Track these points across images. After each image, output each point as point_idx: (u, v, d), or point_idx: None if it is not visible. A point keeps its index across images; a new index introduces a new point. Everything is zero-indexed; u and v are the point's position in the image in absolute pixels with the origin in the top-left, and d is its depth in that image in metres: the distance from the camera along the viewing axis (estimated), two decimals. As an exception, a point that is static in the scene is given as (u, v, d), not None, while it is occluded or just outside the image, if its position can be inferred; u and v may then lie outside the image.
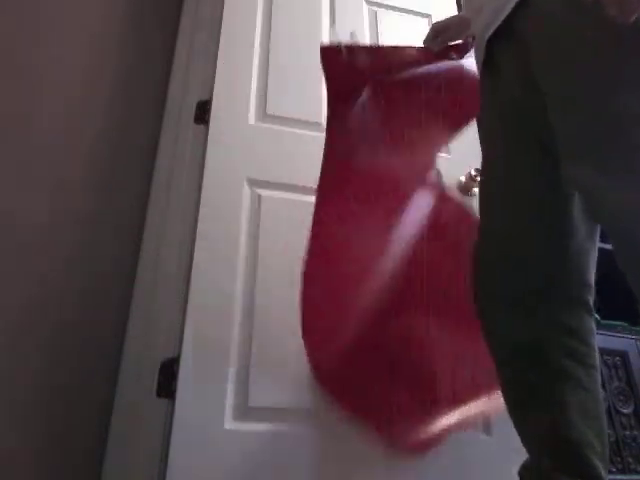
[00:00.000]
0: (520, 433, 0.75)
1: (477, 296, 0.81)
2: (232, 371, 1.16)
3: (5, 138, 0.75)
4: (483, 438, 1.20)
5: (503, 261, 0.78)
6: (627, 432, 1.46)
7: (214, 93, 1.48)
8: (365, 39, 1.74)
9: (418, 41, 1.81)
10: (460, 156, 1.59)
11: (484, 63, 0.85)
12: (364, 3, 1.82)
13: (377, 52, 1.13)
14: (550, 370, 0.73)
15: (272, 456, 1.11)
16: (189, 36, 1.66)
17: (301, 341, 1.22)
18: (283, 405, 1.16)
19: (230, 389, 1.14)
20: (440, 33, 1.08)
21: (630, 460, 1.41)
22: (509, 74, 0.78)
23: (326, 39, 1.68)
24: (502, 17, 0.74)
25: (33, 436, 0.85)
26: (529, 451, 0.74)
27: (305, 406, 1.17)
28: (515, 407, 0.76)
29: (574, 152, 0.63)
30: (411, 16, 1.87)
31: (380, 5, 1.84)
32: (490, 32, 0.78)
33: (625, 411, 1.49)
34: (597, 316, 1.05)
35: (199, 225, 1.29)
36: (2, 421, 0.75)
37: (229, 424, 1.11)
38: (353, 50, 1.06)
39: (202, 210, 1.31)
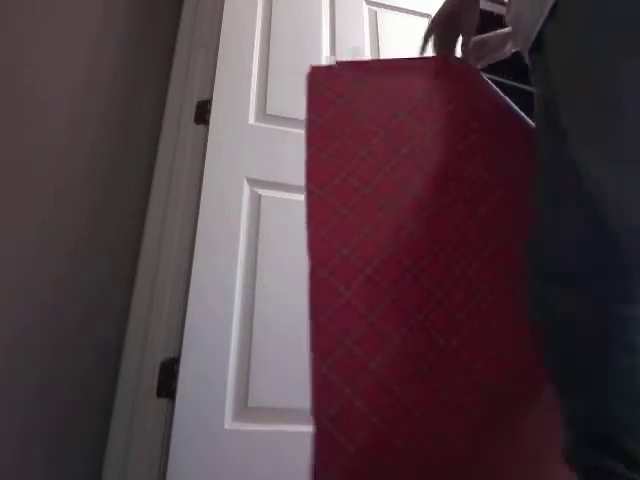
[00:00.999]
0: (561, 407, 0.74)
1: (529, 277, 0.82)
2: (232, 371, 1.16)
3: (5, 137, 0.75)
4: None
5: (548, 245, 0.79)
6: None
7: (214, 93, 1.48)
8: (365, 39, 1.74)
9: (419, 41, 1.82)
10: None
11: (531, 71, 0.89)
12: (364, 3, 1.82)
13: (377, 65, 1.00)
14: (598, 353, 0.72)
15: (272, 456, 1.11)
16: (189, 36, 1.66)
17: (301, 340, 1.22)
18: (283, 405, 1.16)
19: (230, 389, 1.14)
20: (479, 48, 1.05)
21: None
22: (540, 80, 0.82)
23: (326, 39, 1.69)
24: (534, 35, 0.78)
25: (33, 436, 0.85)
26: (568, 427, 0.73)
27: (305, 406, 1.17)
28: (556, 380, 0.76)
29: (584, 139, 0.65)
30: (411, 16, 1.87)
31: (380, 5, 1.84)
32: (529, 47, 0.83)
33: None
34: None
35: (199, 225, 1.29)
36: (2, 421, 0.75)
37: (229, 424, 1.11)
38: (347, 64, 0.95)
39: (202, 210, 1.31)
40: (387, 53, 1.72)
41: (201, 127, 1.49)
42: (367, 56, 1.70)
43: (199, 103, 1.53)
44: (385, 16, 1.82)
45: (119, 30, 1.24)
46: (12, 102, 0.77)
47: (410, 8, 1.88)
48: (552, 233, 0.80)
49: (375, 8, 1.82)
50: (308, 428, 1.14)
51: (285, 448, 1.11)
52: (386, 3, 1.85)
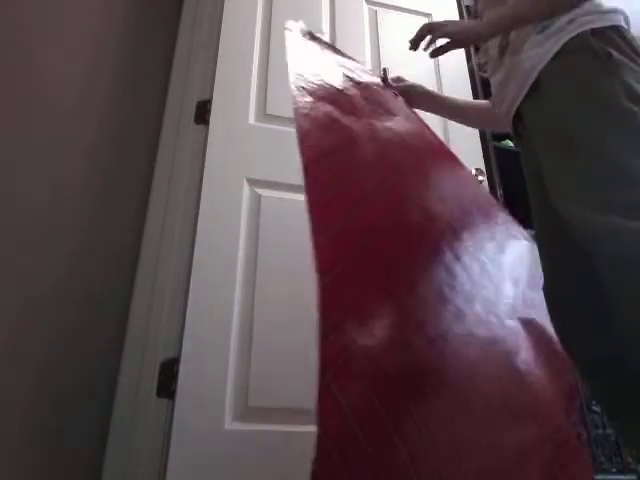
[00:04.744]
0: (622, 441, 0.78)
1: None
2: (232, 371, 1.16)
3: (5, 135, 0.75)
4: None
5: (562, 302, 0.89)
6: (600, 431, 1.42)
7: (214, 93, 1.48)
8: (365, 38, 1.74)
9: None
10: (460, 155, 1.59)
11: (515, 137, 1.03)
12: (364, 2, 1.82)
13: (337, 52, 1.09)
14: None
15: (272, 456, 1.11)
16: (189, 36, 1.66)
17: (301, 341, 1.22)
18: (283, 405, 1.16)
19: (230, 389, 1.14)
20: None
21: (603, 460, 1.38)
22: (525, 144, 0.96)
23: (326, 39, 1.68)
24: (515, 107, 0.93)
25: (33, 436, 0.85)
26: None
27: (305, 406, 1.17)
28: (611, 418, 0.79)
29: (566, 190, 0.76)
30: (411, 15, 1.87)
31: (380, 4, 1.84)
32: (511, 115, 0.97)
33: (597, 409, 1.44)
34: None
35: (199, 224, 1.29)
36: (2, 421, 0.75)
37: (229, 424, 1.11)
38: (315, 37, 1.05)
39: (202, 210, 1.31)
40: (387, 53, 1.72)
41: (201, 127, 1.49)
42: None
43: (199, 103, 1.53)
44: (385, 15, 1.82)
45: (119, 30, 1.24)
46: (13, 101, 0.77)
47: (410, 7, 1.88)
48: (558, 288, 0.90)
49: (375, 7, 1.82)
50: (308, 428, 1.15)
51: (285, 448, 1.11)
52: (386, 2, 1.85)
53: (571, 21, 0.84)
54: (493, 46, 1.02)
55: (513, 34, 0.94)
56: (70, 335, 0.97)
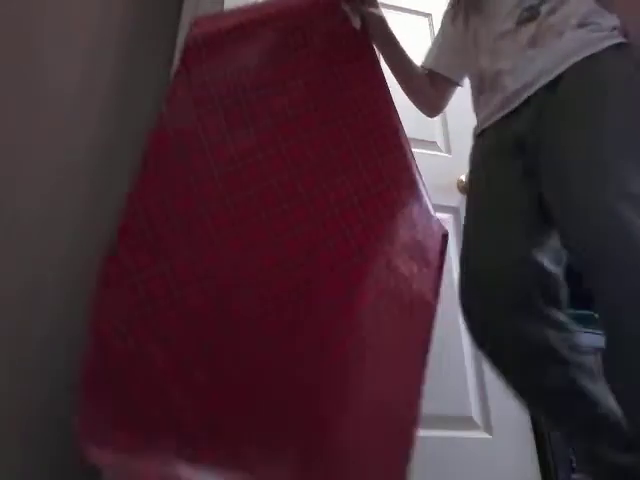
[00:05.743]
0: (563, 437, 0.81)
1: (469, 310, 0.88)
2: (232, 371, 1.16)
3: (6, 134, 0.75)
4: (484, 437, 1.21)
5: (493, 274, 0.86)
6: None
7: (214, 93, 1.48)
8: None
9: (419, 41, 1.82)
10: (460, 155, 1.59)
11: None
12: (364, 2, 1.81)
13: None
14: (568, 367, 0.78)
15: (272, 456, 1.10)
16: (189, 36, 1.66)
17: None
18: (283, 405, 1.16)
19: (230, 389, 1.14)
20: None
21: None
22: (525, 118, 0.92)
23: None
24: (535, 87, 0.89)
25: (32, 435, 0.85)
26: (579, 449, 0.80)
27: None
28: (547, 416, 0.81)
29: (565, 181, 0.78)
30: (411, 15, 1.87)
31: (380, 4, 1.84)
32: (523, 96, 0.92)
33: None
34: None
35: (199, 225, 1.29)
36: (1, 421, 0.75)
37: (229, 424, 1.11)
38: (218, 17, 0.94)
39: (202, 210, 1.31)
40: (387, 53, 1.72)
41: (201, 127, 1.48)
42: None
43: (199, 103, 1.53)
44: (385, 15, 1.82)
45: (119, 30, 1.24)
46: (13, 101, 0.77)
47: (410, 7, 1.88)
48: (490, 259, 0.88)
49: (375, 8, 1.82)
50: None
51: (285, 448, 1.11)
52: (386, 2, 1.85)
53: (614, 29, 0.86)
54: (501, 12, 0.99)
55: (545, 8, 0.91)
56: (70, 335, 0.96)
